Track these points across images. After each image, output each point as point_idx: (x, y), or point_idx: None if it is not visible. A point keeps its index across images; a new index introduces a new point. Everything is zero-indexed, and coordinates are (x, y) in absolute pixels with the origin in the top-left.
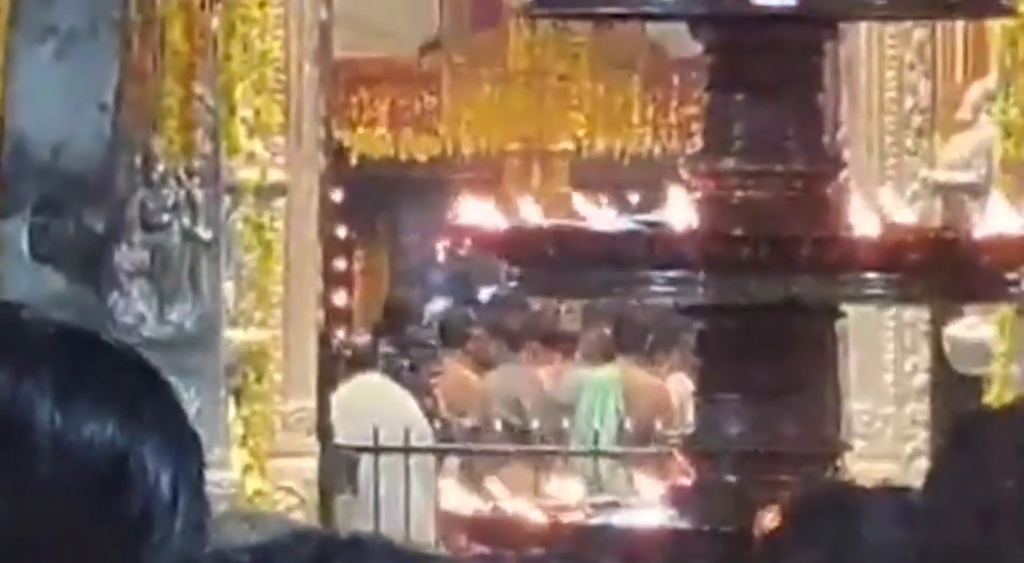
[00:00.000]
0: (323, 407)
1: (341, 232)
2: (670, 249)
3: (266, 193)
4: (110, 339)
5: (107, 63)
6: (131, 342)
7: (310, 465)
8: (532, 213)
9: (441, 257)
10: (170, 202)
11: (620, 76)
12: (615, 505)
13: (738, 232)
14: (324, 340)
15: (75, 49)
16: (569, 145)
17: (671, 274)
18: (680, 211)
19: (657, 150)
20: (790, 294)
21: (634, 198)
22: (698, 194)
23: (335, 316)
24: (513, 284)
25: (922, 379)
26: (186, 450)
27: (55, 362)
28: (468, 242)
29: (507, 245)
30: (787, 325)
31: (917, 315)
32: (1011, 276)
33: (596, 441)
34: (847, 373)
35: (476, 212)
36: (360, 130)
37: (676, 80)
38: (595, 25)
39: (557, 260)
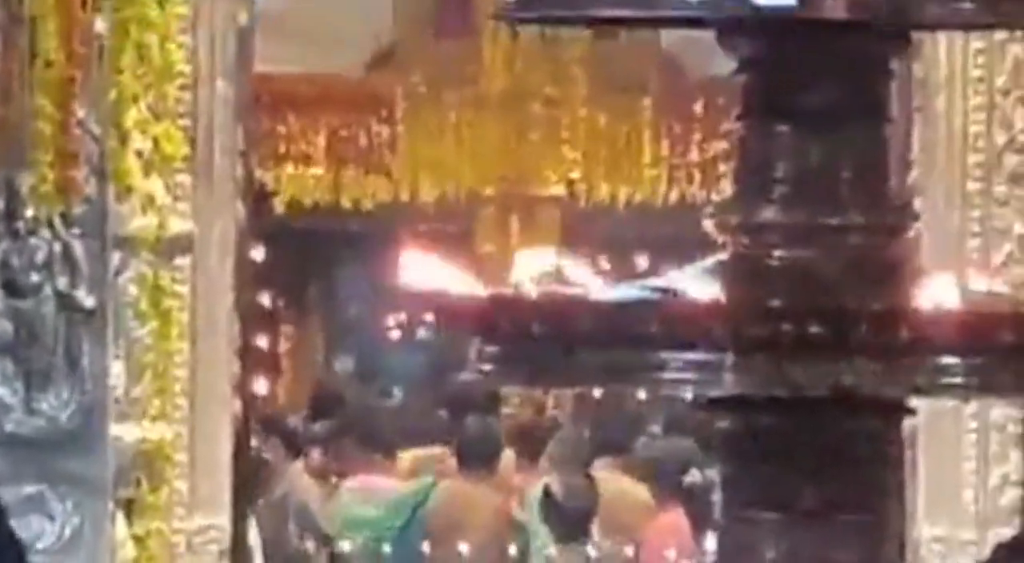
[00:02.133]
0: (239, 525)
1: (264, 300)
2: (690, 324)
3: (167, 248)
4: None
5: None
6: None
7: None
8: (512, 277)
9: (393, 333)
10: (41, 258)
11: (626, 101)
12: None
13: (777, 303)
14: (241, 439)
15: None
16: (559, 190)
17: (692, 357)
18: (704, 276)
19: (673, 197)
20: (843, 383)
21: (643, 260)
22: (727, 253)
23: (255, 408)
24: (487, 367)
25: (1012, 496)
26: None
27: None
28: (428, 313)
29: (480, 317)
30: (839, 423)
31: (1007, 414)
32: None
33: None
34: (916, 487)
35: (438, 274)
36: (289, 169)
37: (699, 107)
38: (594, 35)
39: (545, 337)
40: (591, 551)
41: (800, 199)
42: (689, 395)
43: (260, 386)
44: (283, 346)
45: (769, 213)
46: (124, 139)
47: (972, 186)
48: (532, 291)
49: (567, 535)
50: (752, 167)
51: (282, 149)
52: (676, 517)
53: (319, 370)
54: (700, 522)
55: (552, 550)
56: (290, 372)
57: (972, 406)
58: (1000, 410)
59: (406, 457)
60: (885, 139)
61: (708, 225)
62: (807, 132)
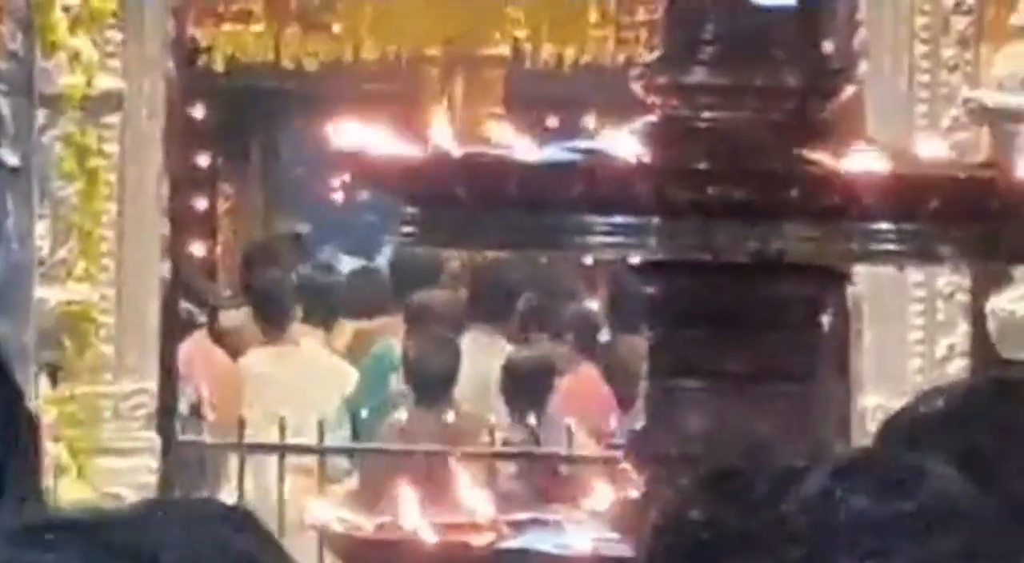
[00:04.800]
0: (167, 389)
1: (202, 160)
2: (615, 187)
3: (95, 106)
4: None
5: None
6: None
7: (148, 465)
8: (439, 137)
9: (336, 194)
10: None
11: None
12: (539, 523)
13: (704, 166)
14: (169, 302)
15: None
16: (504, 50)
17: (616, 220)
18: (632, 138)
19: (621, 58)
20: (771, 249)
21: (590, 120)
22: (656, 115)
23: (194, 269)
24: (409, 230)
25: (959, 366)
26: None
27: None
28: (351, 174)
29: (402, 179)
30: (768, 289)
31: (954, 282)
32: None
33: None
34: (860, 357)
35: (363, 134)
36: (227, 26)
37: None
38: None
39: (468, 200)
40: (449, 416)
41: (729, 60)
42: (611, 258)
43: (197, 248)
44: (222, 206)
45: (698, 74)
46: None
47: (919, 49)
48: (454, 152)
49: (426, 398)
50: (680, 27)
51: (221, 7)
52: (589, 372)
53: (259, 231)
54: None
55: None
56: (229, 232)
57: (918, 275)
58: (947, 278)
59: (347, 329)
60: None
61: (636, 87)
62: None
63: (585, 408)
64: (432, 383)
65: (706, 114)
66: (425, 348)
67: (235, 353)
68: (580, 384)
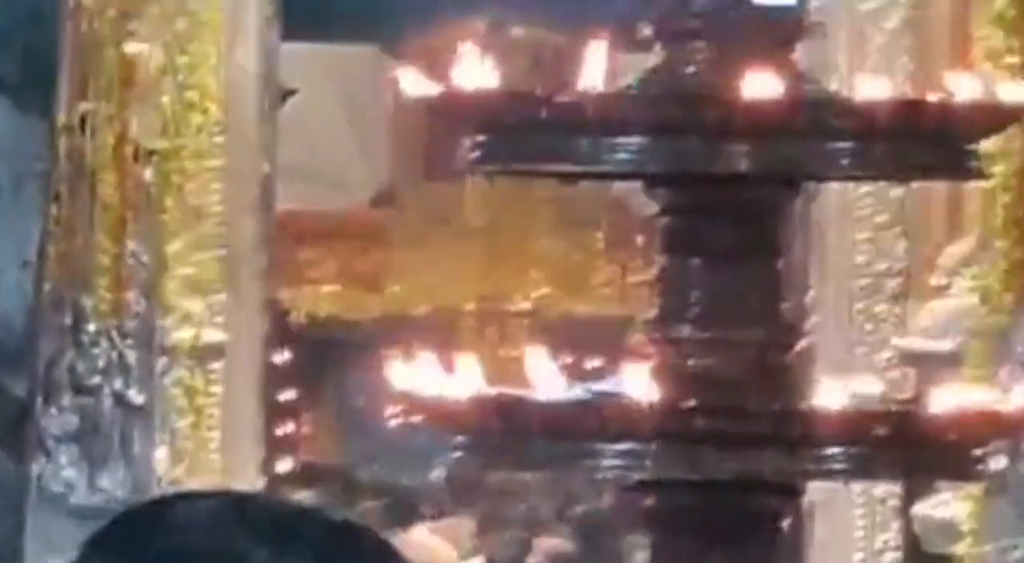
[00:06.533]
0: None
1: (289, 394)
2: (621, 421)
3: (202, 355)
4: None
5: (30, 218)
6: (59, 510)
7: None
8: (474, 379)
9: (394, 421)
10: (101, 364)
11: (582, 234)
12: None
13: (692, 403)
14: None
15: None
16: (528, 306)
17: (621, 447)
18: (634, 380)
19: (621, 312)
20: (745, 470)
21: (596, 362)
22: (653, 362)
23: (281, 482)
24: (455, 454)
25: (892, 557)
26: None
27: (317, 548)
28: (404, 410)
29: (448, 415)
30: (742, 502)
31: (888, 491)
32: (978, 453)
33: None
34: (813, 552)
35: (411, 377)
36: (307, 289)
37: (640, 240)
38: (557, 181)
39: (501, 431)
40: None
41: (709, 318)
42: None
43: (284, 464)
44: (304, 430)
45: (685, 330)
46: (166, 267)
47: (858, 305)
48: (490, 393)
49: None
50: (672, 292)
51: (302, 272)
52: None
53: (335, 451)
54: None
55: None
56: (311, 453)
57: (859, 486)
58: (883, 488)
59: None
60: (778, 270)
61: (638, 339)
62: (715, 264)
63: None
64: None
65: (692, 362)
66: (501, 547)
67: None
68: None
